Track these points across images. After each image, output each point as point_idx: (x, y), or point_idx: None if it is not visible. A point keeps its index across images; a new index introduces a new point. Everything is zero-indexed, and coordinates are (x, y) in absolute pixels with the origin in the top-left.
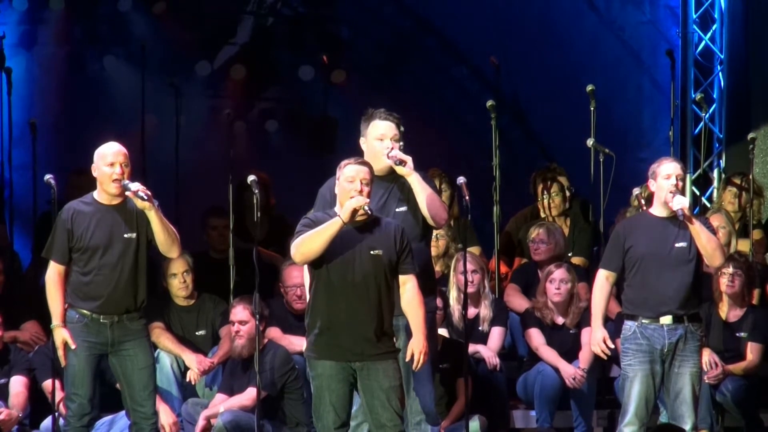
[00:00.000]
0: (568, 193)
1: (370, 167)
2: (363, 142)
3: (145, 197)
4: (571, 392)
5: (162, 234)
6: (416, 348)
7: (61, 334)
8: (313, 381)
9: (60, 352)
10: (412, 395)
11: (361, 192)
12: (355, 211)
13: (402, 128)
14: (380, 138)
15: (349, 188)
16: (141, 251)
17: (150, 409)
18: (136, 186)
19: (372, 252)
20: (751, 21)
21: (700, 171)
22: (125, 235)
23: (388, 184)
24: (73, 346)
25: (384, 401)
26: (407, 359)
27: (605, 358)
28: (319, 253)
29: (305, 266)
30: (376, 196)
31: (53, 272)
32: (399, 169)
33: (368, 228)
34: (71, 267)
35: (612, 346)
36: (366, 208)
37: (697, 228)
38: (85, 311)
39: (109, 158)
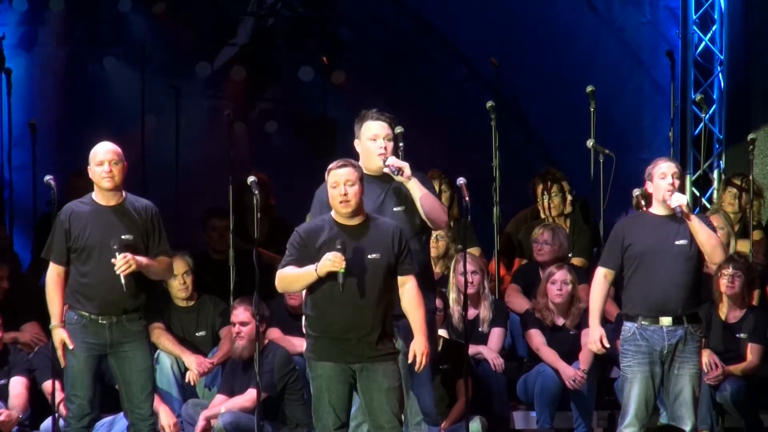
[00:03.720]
0: (569, 197)
1: (355, 167)
2: (357, 144)
3: (123, 268)
4: (571, 393)
5: (151, 274)
6: (418, 349)
7: (59, 335)
8: (313, 382)
9: (59, 353)
10: (412, 396)
11: (345, 195)
12: (330, 272)
13: (398, 129)
14: (373, 138)
15: (334, 193)
16: (139, 252)
17: (147, 410)
18: (120, 269)
19: (370, 257)
20: (751, 22)
21: (700, 172)
22: (122, 236)
23: (385, 184)
24: (71, 347)
25: (382, 402)
26: (409, 360)
27: (602, 353)
28: (298, 292)
29: None
30: (373, 197)
31: (52, 273)
32: (397, 179)
33: (365, 231)
34: (70, 268)
35: (608, 345)
36: (341, 275)
37: (696, 225)
38: (84, 312)
39: (98, 157)
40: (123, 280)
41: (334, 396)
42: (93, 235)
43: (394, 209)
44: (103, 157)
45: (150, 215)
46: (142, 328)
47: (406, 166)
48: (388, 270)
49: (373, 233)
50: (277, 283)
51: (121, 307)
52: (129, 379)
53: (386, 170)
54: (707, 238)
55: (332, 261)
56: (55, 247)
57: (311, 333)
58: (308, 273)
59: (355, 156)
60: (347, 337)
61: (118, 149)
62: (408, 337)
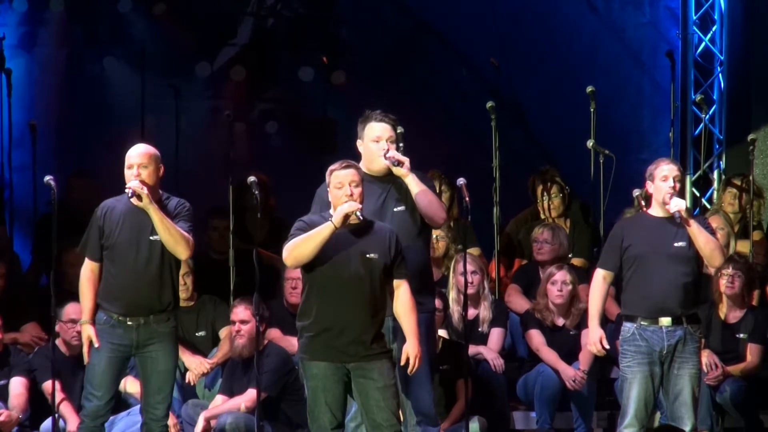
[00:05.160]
0: (566, 194)
1: (357, 168)
2: (360, 144)
3: (130, 194)
4: (571, 394)
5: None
6: (411, 352)
7: (87, 331)
8: (308, 382)
9: (84, 349)
10: (411, 396)
11: (351, 195)
12: (346, 216)
13: (399, 129)
14: (376, 140)
15: (339, 194)
16: (168, 253)
17: (162, 412)
18: (129, 183)
19: (367, 255)
20: (751, 22)
21: (700, 172)
22: (151, 237)
23: (386, 184)
24: (96, 345)
25: (378, 400)
26: (402, 363)
27: (602, 355)
28: (310, 257)
29: None
30: (374, 197)
31: (86, 269)
32: (396, 170)
33: (363, 232)
34: (103, 266)
35: (608, 347)
36: (358, 213)
37: (694, 230)
38: (112, 313)
39: (129, 160)
40: (129, 191)
41: (330, 395)
42: (123, 233)
43: (395, 209)
44: (132, 161)
45: (178, 212)
46: (170, 329)
47: (406, 160)
48: (384, 271)
49: (371, 234)
50: (287, 253)
51: (147, 307)
52: (148, 378)
53: (386, 162)
54: (706, 243)
55: (349, 205)
56: (90, 242)
57: (305, 332)
58: (323, 228)
59: (356, 156)
60: (342, 336)
61: (152, 152)
62: (403, 339)
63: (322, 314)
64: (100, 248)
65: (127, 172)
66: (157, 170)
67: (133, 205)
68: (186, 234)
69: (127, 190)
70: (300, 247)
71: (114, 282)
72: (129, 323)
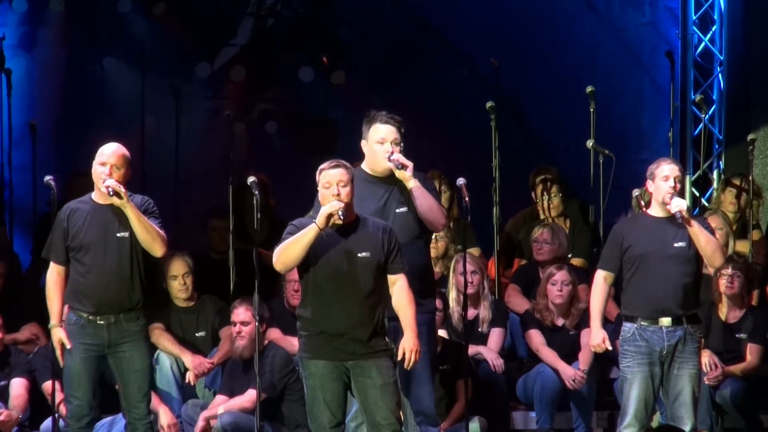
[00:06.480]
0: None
1: (347, 168)
2: (364, 145)
3: (110, 193)
4: (571, 394)
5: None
6: (407, 347)
7: (57, 334)
8: (307, 381)
9: (57, 353)
10: (411, 396)
11: (338, 195)
12: (329, 217)
13: (403, 131)
14: (381, 141)
15: (326, 194)
16: (136, 250)
17: (144, 410)
18: (107, 182)
19: (359, 255)
20: (751, 22)
21: (700, 172)
22: (118, 234)
23: (389, 186)
24: (68, 346)
25: (377, 399)
26: (398, 358)
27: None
28: (298, 260)
29: None
30: (376, 198)
31: (52, 272)
32: (399, 173)
33: (355, 231)
34: (70, 267)
35: (610, 348)
36: (340, 213)
37: (695, 230)
38: (82, 313)
39: (102, 158)
40: (108, 189)
41: (328, 394)
42: (89, 233)
43: (397, 210)
44: (107, 159)
45: (146, 208)
46: (140, 327)
47: (410, 164)
48: (378, 269)
49: (363, 232)
50: (275, 258)
51: (118, 305)
52: (126, 378)
53: (390, 164)
54: (707, 243)
55: (330, 205)
56: (55, 246)
57: (303, 332)
58: (307, 230)
59: (356, 156)
60: (339, 335)
61: (126, 153)
62: (400, 338)
63: (319, 314)
64: (66, 251)
65: (98, 168)
66: (127, 173)
67: (97, 205)
68: (162, 233)
69: (106, 189)
70: (287, 252)
71: (83, 281)
72: (100, 322)
